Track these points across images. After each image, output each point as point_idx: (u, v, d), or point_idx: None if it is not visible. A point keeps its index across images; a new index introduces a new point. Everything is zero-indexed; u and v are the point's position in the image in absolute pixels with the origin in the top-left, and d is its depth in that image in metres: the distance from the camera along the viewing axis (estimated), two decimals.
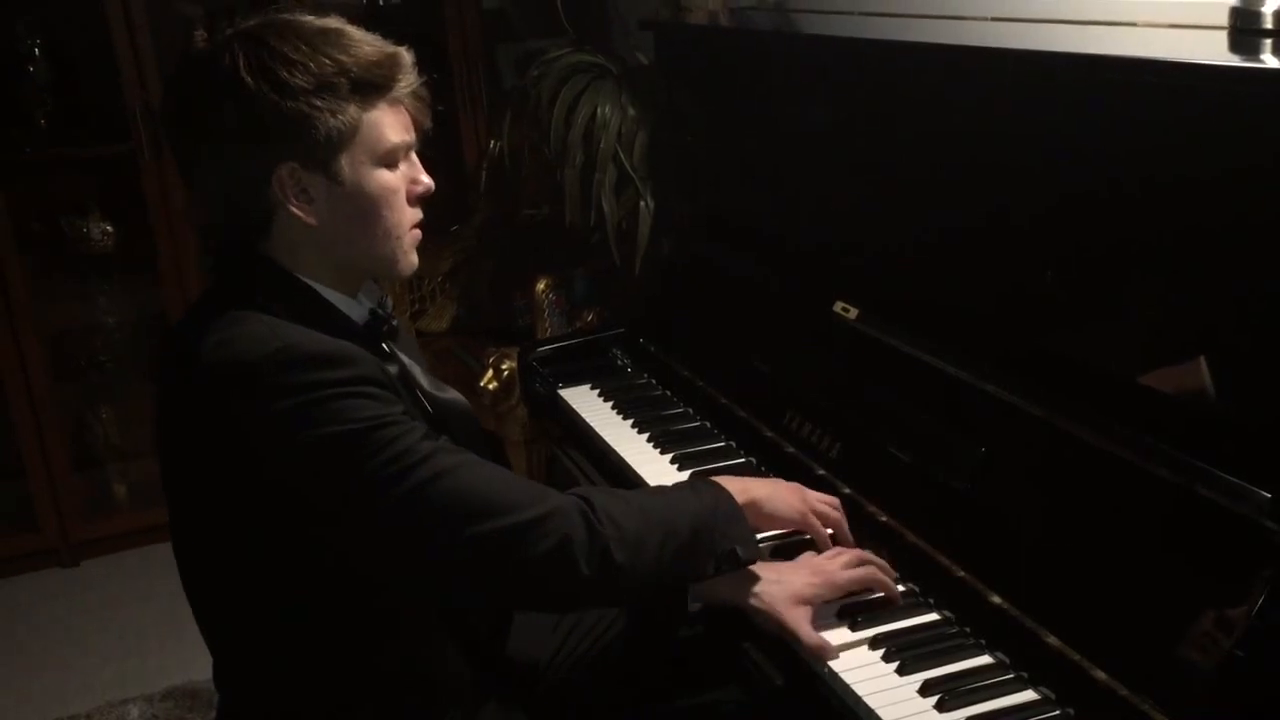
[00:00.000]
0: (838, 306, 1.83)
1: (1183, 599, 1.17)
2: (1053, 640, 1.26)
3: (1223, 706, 1.11)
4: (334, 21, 1.30)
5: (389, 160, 1.31)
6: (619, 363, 2.30)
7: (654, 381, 2.19)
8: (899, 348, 1.68)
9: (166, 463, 1.33)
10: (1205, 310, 1.28)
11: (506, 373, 2.88)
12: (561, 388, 2.22)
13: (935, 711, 1.25)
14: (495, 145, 3.21)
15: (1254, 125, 1.17)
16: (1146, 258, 1.34)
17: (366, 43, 1.29)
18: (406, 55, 1.32)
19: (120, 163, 3.29)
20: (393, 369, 1.35)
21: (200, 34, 3.42)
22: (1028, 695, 1.27)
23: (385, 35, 1.33)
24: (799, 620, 1.38)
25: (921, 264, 1.73)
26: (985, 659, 1.33)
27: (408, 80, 1.31)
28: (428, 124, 1.37)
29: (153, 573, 3.26)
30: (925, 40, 1.75)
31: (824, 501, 1.53)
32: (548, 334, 2.96)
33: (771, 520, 1.48)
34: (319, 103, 1.24)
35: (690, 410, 2.05)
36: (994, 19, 1.75)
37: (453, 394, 1.47)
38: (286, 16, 1.29)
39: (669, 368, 2.16)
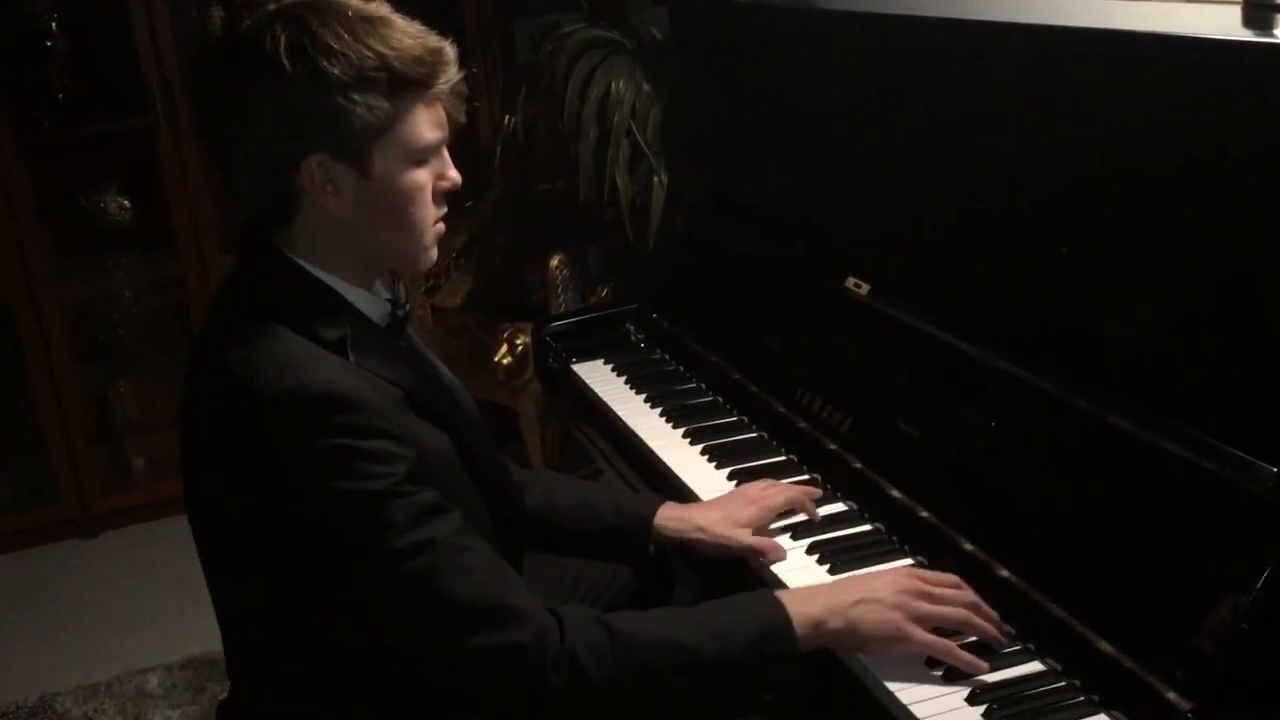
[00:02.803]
0: (850, 282, 1.83)
1: (1189, 573, 1.18)
2: (1060, 613, 1.27)
3: (1228, 680, 1.11)
4: (379, 8, 1.25)
5: (421, 157, 1.27)
6: (632, 338, 2.31)
7: (667, 357, 2.20)
8: (910, 324, 1.68)
9: (186, 456, 1.32)
10: (1214, 286, 1.28)
11: (520, 348, 2.90)
12: (575, 363, 2.23)
13: (943, 684, 1.26)
14: (510, 121, 3.21)
15: (1267, 100, 1.17)
16: (1157, 234, 1.34)
17: (410, 35, 1.24)
18: (450, 50, 1.27)
19: (138, 138, 3.31)
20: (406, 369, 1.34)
21: (218, 10, 3.43)
22: (1034, 666, 1.28)
23: (407, 9, 1.29)
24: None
25: (934, 241, 1.73)
26: None
27: (448, 76, 1.26)
28: (462, 119, 1.33)
29: (171, 544, 3.29)
30: (940, 15, 1.75)
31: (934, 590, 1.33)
32: (561, 310, 2.97)
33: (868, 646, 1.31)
34: (356, 96, 1.20)
35: (703, 385, 2.06)
36: None
37: (450, 374, 1.47)
38: None
39: (682, 343, 2.17)
